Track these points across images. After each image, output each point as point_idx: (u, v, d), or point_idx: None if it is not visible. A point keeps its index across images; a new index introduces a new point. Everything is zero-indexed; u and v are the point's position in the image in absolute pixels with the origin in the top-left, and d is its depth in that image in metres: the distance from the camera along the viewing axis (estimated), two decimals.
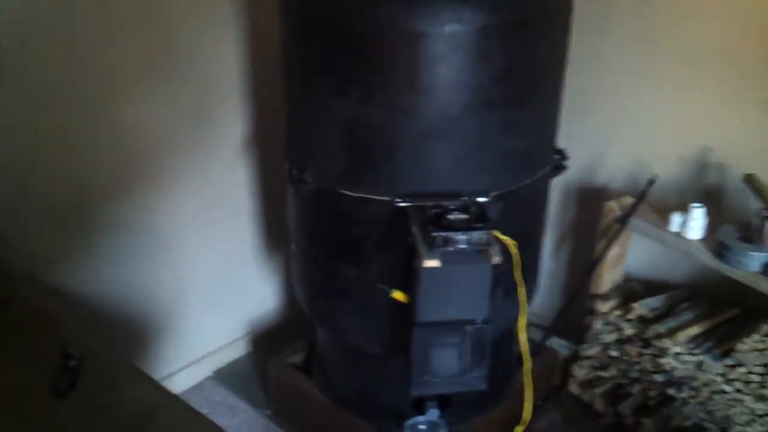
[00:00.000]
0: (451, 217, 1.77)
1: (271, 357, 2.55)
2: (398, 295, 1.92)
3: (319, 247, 2.10)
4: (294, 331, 2.73)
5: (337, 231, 2.02)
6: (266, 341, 2.86)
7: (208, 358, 2.72)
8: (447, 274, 1.77)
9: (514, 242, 1.87)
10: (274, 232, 2.76)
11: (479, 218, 1.77)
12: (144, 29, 2.17)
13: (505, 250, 1.84)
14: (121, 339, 2.39)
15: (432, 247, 1.72)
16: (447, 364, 1.91)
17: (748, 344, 2.09)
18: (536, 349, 2.53)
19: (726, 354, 2.15)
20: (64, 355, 1.62)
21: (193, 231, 2.50)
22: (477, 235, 1.74)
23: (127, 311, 2.40)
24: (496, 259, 1.74)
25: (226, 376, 2.71)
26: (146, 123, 2.26)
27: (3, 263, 1.98)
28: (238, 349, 2.83)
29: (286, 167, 2.10)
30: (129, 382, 1.62)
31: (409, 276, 1.87)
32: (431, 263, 1.71)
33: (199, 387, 2.65)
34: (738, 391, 2.13)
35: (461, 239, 1.73)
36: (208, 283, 2.63)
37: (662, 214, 2.26)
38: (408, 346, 1.91)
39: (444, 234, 1.72)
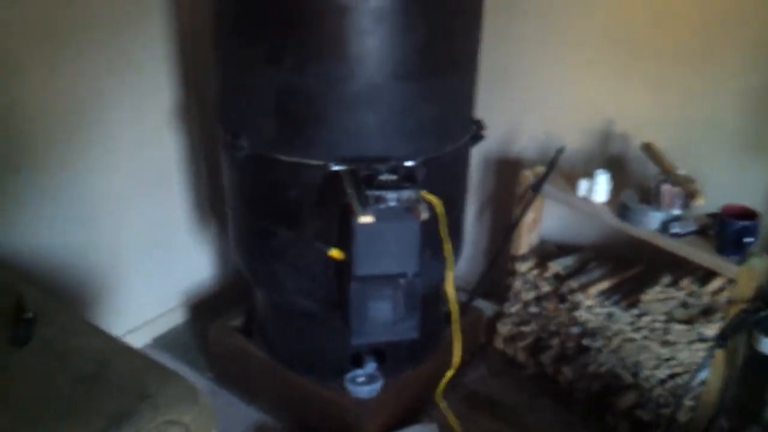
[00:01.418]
0: (382, 178, 1.93)
1: (210, 322, 2.64)
2: (335, 252, 2.07)
3: (255, 211, 2.21)
4: (230, 298, 2.84)
5: (272, 195, 2.14)
6: (203, 309, 2.94)
7: (146, 327, 2.79)
8: (380, 230, 1.92)
9: (440, 201, 2.04)
10: (209, 199, 2.85)
11: (408, 179, 1.94)
12: None
13: (431, 210, 2.01)
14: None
15: (366, 205, 1.87)
16: (382, 314, 2.06)
17: (650, 295, 2.30)
18: (462, 309, 2.71)
19: (632, 305, 2.37)
20: (19, 309, 1.71)
21: (126, 198, 2.56)
22: (406, 194, 1.90)
23: (63, 279, 2.45)
24: (424, 215, 1.91)
25: (165, 344, 2.79)
26: (73, 87, 2.31)
27: None
28: (176, 317, 2.90)
29: (220, 133, 2.21)
30: (84, 333, 1.72)
31: (344, 234, 2.02)
32: (366, 219, 1.86)
33: None
34: (645, 338, 2.34)
35: (392, 197, 1.89)
36: (143, 251, 2.69)
37: (571, 180, 2.47)
38: (346, 300, 2.05)
39: (376, 193, 1.88)
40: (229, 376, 2.61)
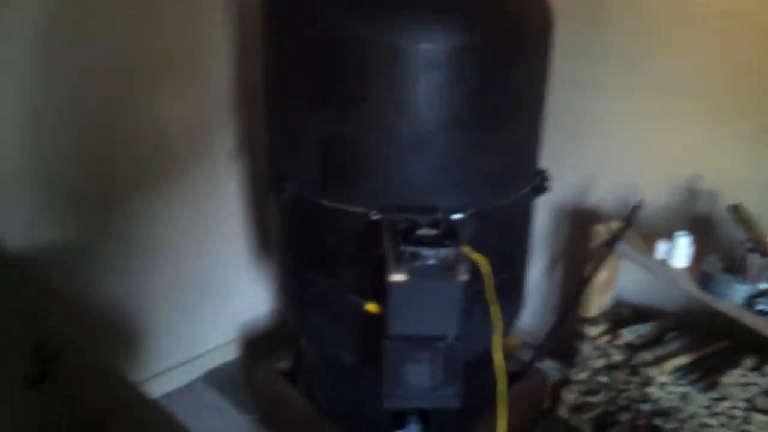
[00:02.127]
0: (421, 232, 1.78)
1: (259, 362, 2.58)
2: (371, 307, 1.94)
3: (296, 256, 2.13)
4: (284, 337, 2.75)
5: (313, 241, 2.05)
6: (259, 345, 2.89)
7: (201, 359, 2.76)
8: (416, 289, 1.77)
9: (486, 260, 1.88)
10: (267, 238, 2.80)
11: (449, 235, 1.78)
12: (174, 26, 2.27)
13: (476, 270, 1.85)
14: (114, 334, 2.46)
15: (400, 262, 1.73)
16: (419, 378, 1.90)
17: (731, 377, 2.05)
18: (525, 370, 2.52)
19: (711, 386, 2.12)
20: (39, 346, 1.68)
21: (189, 233, 2.56)
22: (445, 252, 1.74)
23: (121, 308, 2.46)
24: (464, 276, 1.75)
25: (216, 378, 2.75)
26: (158, 125, 2.35)
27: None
28: (231, 352, 2.86)
29: (267, 175, 2.15)
30: (98, 377, 1.67)
31: (380, 288, 1.89)
32: (398, 277, 1.72)
33: (189, 387, 2.68)
34: (722, 425, 2.09)
35: (429, 254, 1.74)
36: (203, 284, 2.67)
37: (650, 240, 2.23)
38: (380, 358, 1.92)
39: (412, 249, 1.74)
40: (272, 419, 2.53)
